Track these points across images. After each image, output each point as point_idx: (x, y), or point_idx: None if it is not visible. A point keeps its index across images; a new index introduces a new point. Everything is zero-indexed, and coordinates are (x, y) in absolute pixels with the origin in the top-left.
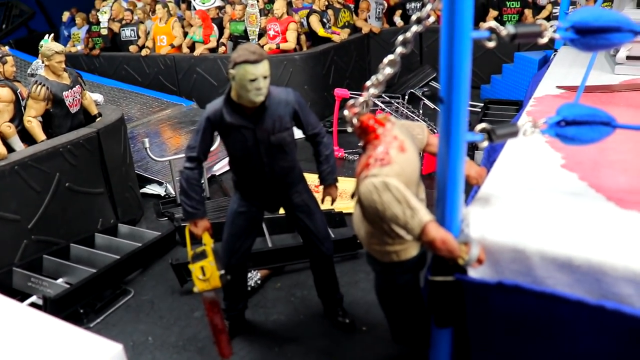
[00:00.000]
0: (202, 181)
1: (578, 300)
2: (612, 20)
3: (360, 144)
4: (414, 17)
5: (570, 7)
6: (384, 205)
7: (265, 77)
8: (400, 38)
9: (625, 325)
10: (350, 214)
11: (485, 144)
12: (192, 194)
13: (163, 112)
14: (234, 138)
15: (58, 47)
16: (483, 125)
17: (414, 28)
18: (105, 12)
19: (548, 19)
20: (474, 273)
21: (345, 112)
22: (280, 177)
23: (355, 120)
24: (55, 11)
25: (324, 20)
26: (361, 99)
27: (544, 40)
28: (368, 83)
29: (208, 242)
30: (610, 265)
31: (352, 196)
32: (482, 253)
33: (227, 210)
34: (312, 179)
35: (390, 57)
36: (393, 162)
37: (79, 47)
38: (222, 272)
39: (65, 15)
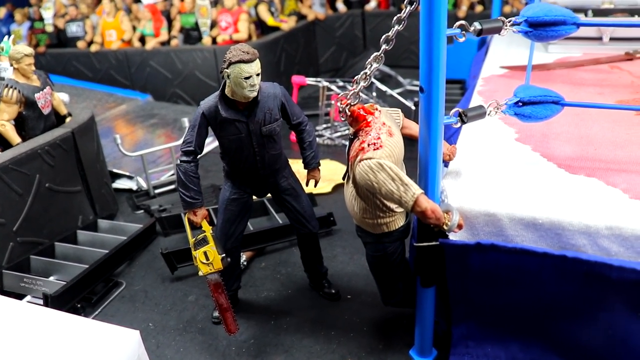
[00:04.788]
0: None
1: (544, 252)
2: (559, 14)
3: (351, 130)
4: None
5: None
6: (379, 183)
7: (258, 75)
8: (395, 18)
9: (582, 269)
10: (320, 195)
11: (459, 125)
12: (190, 186)
13: (119, 108)
14: (229, 131)
15: (27, 49)
16: (457, 108)
17: (408, 8)
18: (49, 8)
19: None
20: (455, 237)
21: (338, 104)
22: (270, 164)
23: (347, 111)
24: None
25: (272, 9)
26: (352, 92)
27: (503, 34)
28: (357, 77)
29: (207, 228)
30: (567, 221)
31: (344, 177)
32: (461, 219)
33: (219, 199)
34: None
35: (376, 54)
36: (384, 146)
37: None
38: (223, 255)
39: (1, 12)
